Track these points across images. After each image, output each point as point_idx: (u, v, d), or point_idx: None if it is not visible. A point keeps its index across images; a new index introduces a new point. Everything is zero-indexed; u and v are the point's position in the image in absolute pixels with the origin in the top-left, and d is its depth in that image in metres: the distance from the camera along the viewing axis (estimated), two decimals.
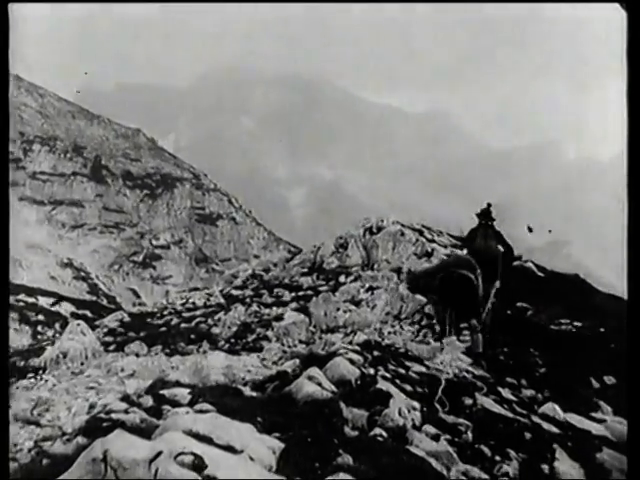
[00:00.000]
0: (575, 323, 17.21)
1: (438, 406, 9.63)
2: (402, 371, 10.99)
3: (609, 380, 13.66)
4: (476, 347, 13.77)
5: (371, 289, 21.15)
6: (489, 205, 15.00)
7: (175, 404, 9.01)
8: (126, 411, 8.72)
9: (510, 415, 9.99)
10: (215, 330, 21.61)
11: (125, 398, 9.76)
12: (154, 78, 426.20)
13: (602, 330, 17.10)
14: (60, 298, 50.62)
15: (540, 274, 23.29)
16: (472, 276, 13.11)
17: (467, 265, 13.42)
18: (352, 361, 10.09)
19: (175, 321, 23.75)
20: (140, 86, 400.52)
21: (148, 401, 9.33)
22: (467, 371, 12.02)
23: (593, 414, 11.36)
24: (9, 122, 7.68)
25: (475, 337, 13.73)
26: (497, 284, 14.45)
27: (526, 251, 26.00)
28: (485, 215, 14.81)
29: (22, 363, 17.77)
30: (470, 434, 8.76)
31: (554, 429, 9.88)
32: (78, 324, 19.56)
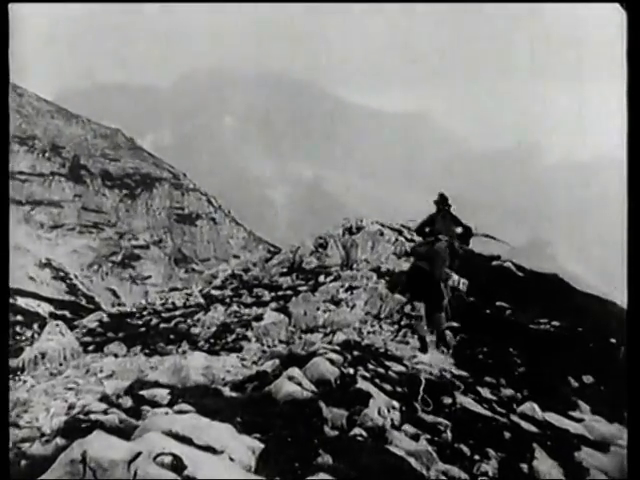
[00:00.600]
0: (554, 323, 17.28)
1: (421, 405, 9.66)
2: (382, 371, 11.00)
3: (587, 379, 13.73)
4: (439, 325, 14.06)
5: (350, 289, 21.19)
6: (443, 195, 15.76)
7: (154, 405, 8.98)
8: (105, 412, 8.68)
9: (489, 414, 10.03)
10: (194, 330, 21.60)
11: (104, 399, 9.72)
12: (134, 78, 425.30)
13: (580, 330, 17.19)
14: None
15: (519, 274, 23.37)
16: (426, 266, 13.88)
17: (423, 256, 14.03)
18: (332, 361, 10.08)
19: (154, 321, 23.72)
20: (120, 86, 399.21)
21: (127, 402, 9.29)
22: (446, 370, 12.05)
23: (571, 413, 11.40)
24: (9, 122, 7.67)
25: (437, 315, 14.00)
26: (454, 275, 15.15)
27: (507, 251, 26.12)
28: (443, 202, 15.52)
29: None
30: (449, 433, 8.78)
31: (533, 428, 9.93)
32: (57, 324, 19.51)
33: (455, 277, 19.71)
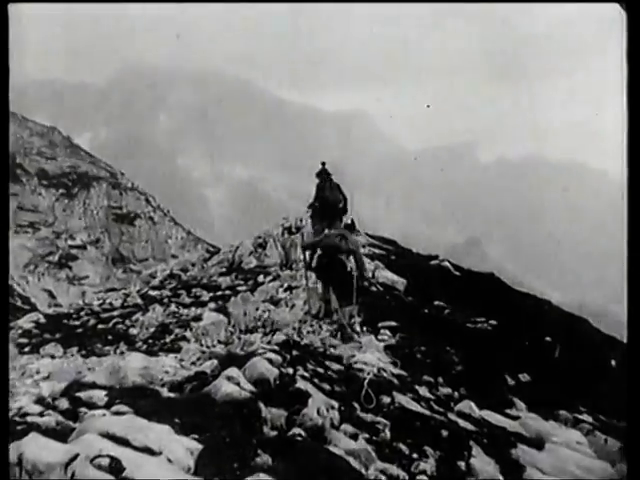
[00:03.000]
0: (491, 321, 17.49)
1: (364, 402, 9.72)
2: (321, 370, 11.03)
3: (523, 377, 13.93)
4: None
5: (290, 288, 21.20)
6: (324, 164, 18.99)
7: (91, 406, 8.89)
8: (41, 414, 8.57)
9: (427, 413, 10.11)
10: (133, 331, 21.44)
11: (40, 401, 9.60)
12: (70, 75, 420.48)
13: (517, 328, 17.44)
14: None
15: (456, 273, 23.62)
16: (344, 259, 15.00)
17: (338, 248, 15.02)
18: (271, 361, 10.09)
19: (92, 322, 23.47)
20: (56, 83, 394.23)
21: (64, 403, 9.18)
22: (384, 370, 12.12)
23: (508, 411, 11.57)
24: (9, 123, 7.59)
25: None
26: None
27: (444, 251, 26.44)
28: (325, 173, 18.43)
29: None
30: (388, 432, 8.84)
31: (470, 426, 10.04)
32: None
33: (394, 277, 19.98)
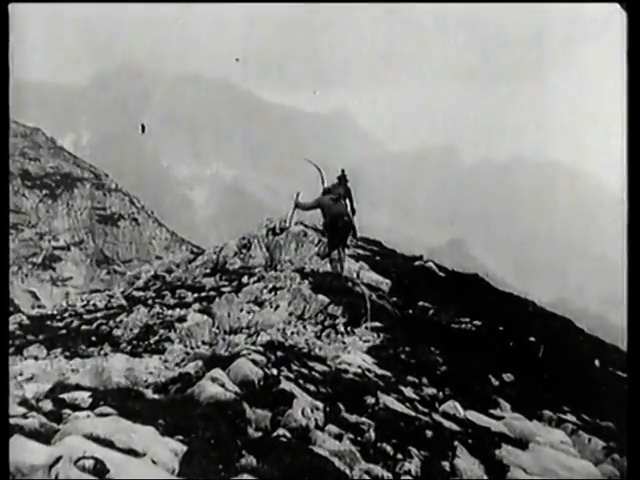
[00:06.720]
0: (475, 322, 17.50)
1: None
2: (305, 371, 11.01)
3: (507, 378, 13.93)
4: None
5: (274, 289, 21.16)
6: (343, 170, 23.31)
7: (75, 408, 8.83)
8: (24, 416, 8.50)
9: (412, 413, 10.11)
10: (117, 332, 21.36)
11: (24, 402, 9.53)
12: (53, 76, 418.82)
13: (500, 329, 17.44)
14: None
15: (441, 274, 23.63)
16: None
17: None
18: (255, 362, 10.07)
19: (75, 323, 23.36)
20: (39, 84, 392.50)
21: (47, 405, 9.13)
22: (369, 370, 12.12)
23: (492, 411, 11.58)
24: (9, 122, 7.57)
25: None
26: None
27: (428, 251, 26.51)
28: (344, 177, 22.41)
29: None
30: (372, 433, 8.83)
31: (454, 426, 10.05)
32: None
33: (378, 278, 20.26)
